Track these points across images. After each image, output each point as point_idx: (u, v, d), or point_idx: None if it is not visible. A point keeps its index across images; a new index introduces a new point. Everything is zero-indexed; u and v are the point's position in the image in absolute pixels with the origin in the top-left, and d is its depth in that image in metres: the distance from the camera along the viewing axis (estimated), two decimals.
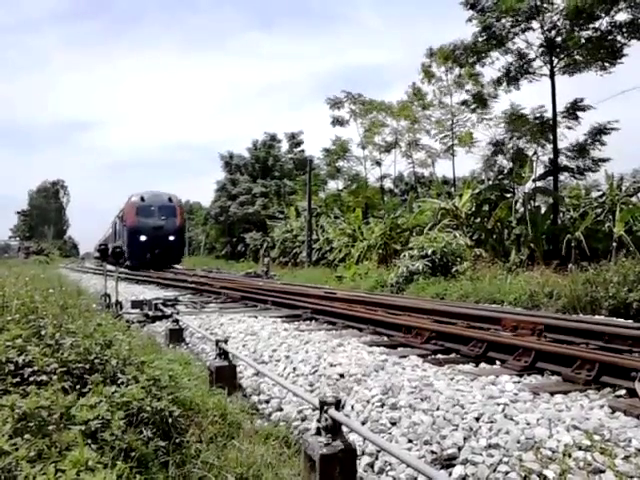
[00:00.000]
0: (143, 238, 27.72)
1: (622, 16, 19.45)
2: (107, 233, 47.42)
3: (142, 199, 28.85)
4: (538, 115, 22.57)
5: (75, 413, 2.80)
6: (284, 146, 50.54)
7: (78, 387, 3.24)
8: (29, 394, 2.86)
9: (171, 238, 28.56)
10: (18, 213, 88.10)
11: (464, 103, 26.80)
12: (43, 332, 3.85)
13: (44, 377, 3.16)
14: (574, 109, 21.88)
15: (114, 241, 36.37)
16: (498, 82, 23.02)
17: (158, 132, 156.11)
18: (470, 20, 21.04)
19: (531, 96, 37.09)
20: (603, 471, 2.56)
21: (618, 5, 19.14)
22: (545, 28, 20.49)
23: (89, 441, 2.65)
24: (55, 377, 3.16)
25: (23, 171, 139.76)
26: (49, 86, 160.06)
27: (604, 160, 22.25)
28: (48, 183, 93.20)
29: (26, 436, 2.55)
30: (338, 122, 34.24)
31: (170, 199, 29.85)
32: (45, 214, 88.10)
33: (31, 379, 3.16)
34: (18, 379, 3.17)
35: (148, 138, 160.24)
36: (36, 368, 3.24)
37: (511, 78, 22.20)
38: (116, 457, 2.63)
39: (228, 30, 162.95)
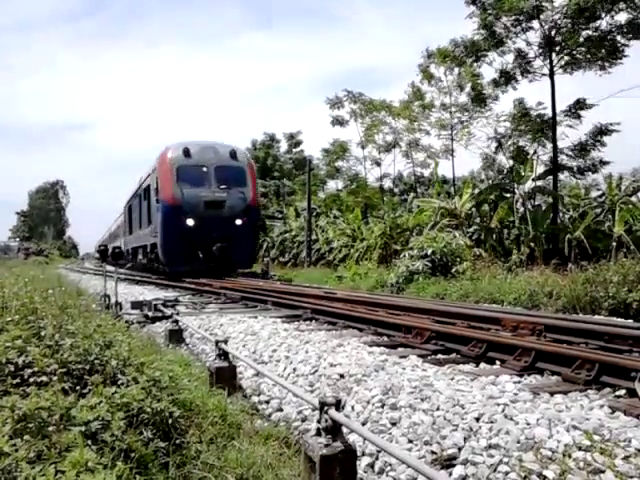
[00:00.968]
0: (190, 222, 16.73)
1: (622, 16, 19.51)
2: (114, 227, 37.78)
3: (186, 153, 17.23)
4: (538, 113, 22.60)
5: (75, 414, 2.80)
6: (283, 146, 50.60)
7: (78, 388, 3.24)
8: (29, 395, 2.86)
9: (238, 222, 17.22)
10: (18, 214, 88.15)
11: (464, 107, 26.82)
12: (43, 333, 3.85)
13: (44, 378, 3.16)
14: (576, 108, 21.88)
15: (129, 233, 25.72)
16: (495, 83, 23.06)
17: (158, 131, 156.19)
18: (470, 17, 21.05)
19: (532, 95, 37.14)
20: (603, 471, 2.56)
21: (618, 5, 19.17)
22: (546, 27, 20.50)
23: (89, 442, 2.65)
24: (55, 378, 3.16)
25: (23, 171, 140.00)
26: (49, 86, 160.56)
27: (605, 163, 22.26)
28: (48, 184, 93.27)
29: (26, 437, 2.54)
30: (338, 122, 34.25)
31: (234, 153, 17.93)
32: (45, 215, 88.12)
33: (31, 380, 3.16)
34: (18, 380, 3.17)
35: (148, 137, 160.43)
36: (36, 369, 3.24)
37: (509, 78, 22.23)
38: (116, 458, 2.63)
39: (228, 30, 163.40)
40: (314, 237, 30.66)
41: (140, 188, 22.03)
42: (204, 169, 17.34)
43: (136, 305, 10.03)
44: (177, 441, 3.23)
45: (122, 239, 29.87)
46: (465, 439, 3.05)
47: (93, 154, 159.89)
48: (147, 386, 3.37)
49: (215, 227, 16.82)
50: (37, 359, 3.30)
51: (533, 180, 22.04)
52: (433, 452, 3.05)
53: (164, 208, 17.00)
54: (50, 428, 2.66)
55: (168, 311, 8.55)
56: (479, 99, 25.44)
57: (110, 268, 12.74)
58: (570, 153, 22.50)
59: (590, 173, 23.32)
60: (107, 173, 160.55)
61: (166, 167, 17.26)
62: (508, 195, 22.57)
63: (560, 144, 22.09)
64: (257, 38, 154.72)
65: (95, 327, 4.31)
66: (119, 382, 3.40)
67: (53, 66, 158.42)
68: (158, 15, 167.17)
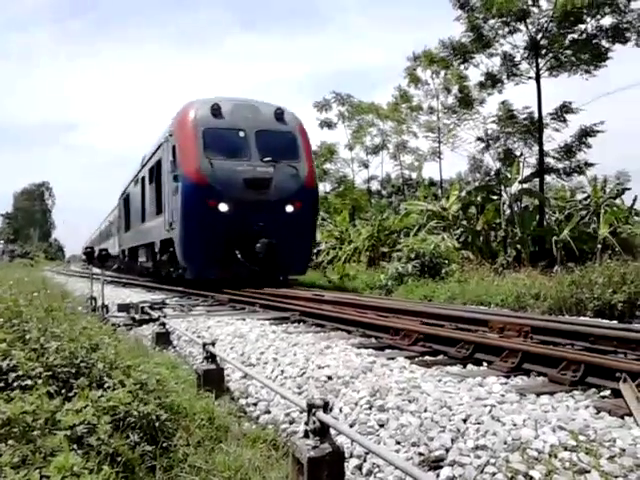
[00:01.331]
0: (224, 208, 12.25)
1: (607, 20, 19.79)
2: (104, 225, 33.65)
3: (216, 112, 12.79)
4: (526, 116, 22.83)
5: (60, 418, 2.78)
6: None
7: (64, 391, 3.22)
8: (13, 399, 2.83)
9: (290, 209, 12.74)
10: (2, 215, 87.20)
11: (451, 109, 26.97)
12: (28, 336, 3.81)
13: (29, 382, 3.13)
14: (562, 111, 22.13)
15: (126, 230, 21.37)
16: (481, 85, 23.27)
17: (146, 132, 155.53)
18: (458, 19, 21.22)
19: (518, 98, 37.45)
20: (588, 471, 2.58)
21: (604, 9, 19.43)
22: (532, 29, 20.72)
23: (74, 446, 2.63)
24: (40, 381, 3.14)
25: (7, 172, 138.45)
26: (32, 86, 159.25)
27: (590, 164, 22.52)
28: (33, 185, 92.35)
29: (10, 442, 2.52)
30: (326, 124, 34.28)
31: (280, 114, 13.48)
32: (30, 216, 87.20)
33: (15, 384, 3.13)
34: (2, 384, 3.14)
35: (136, 138, 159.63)
36: (21, 373, 3.21)
37: (495, 81, 22.44)
38: (102, 462, 2.61)
39: (215, 30, 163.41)
40: None
41: (144, 168, 17.20)
42: (241, 134, 12.82)
43: (123, 308, 9.96)
44: (164, 444, 3.22)
45: (115, 238, 25.80)
46: (452, 440, 3.06)
47: (79, 154, 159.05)
48: (134, 389, 3.35)
49: (258, 215, 12.21)
50: (22, 363, 3.27)
51: (520, 182, 22.22)
52: (421, 453, 3.06)
53: (186, 187, 12.31)
54: (35, 432, 2.64)
55: (155, 314, 8.49)
56: (466, 101, 25.62)
57: (97, 270, 12.65)
58: (556, 155, 22.75)
59: (576, 175, 23.59)
60: (94, 175, 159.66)
61: (188, 130, 12.64)
62: (495, 197, 22.73)
63: (546, 146, 22.34)
64: (242, 39, 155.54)
65: (81, 330, 4.27)
66: (105, 385, 3.38)
67: (37, 66, 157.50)
68: (147, 15, 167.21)
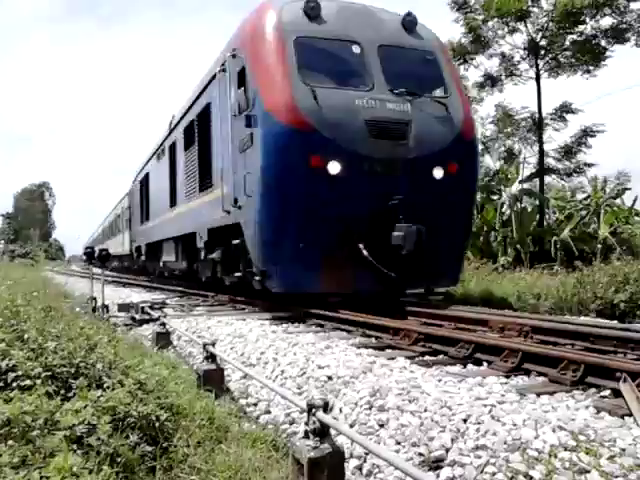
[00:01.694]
0: (335, 170, 7.08)
1: (607, 21, 19.80)
2: (108, 220, 29.66)
3: (313, 12, 7.62)
4: (525, 115, 22.82)
5: (60, 418, 2.78)
6: None
7: (63, 392, 3.22)
8: (12, 399, 2.83)
9: (438, 175, 7.59)
10: (2, 216, 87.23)
11: None
12: (26, 336, 3.81)
13: (28, 382, 3.13)
14: (562, 111, 22.13)
15: (143, 221, 17.25)
16: (480, 86, 23.26)
17: (144, 132, 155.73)
18: (457, 21, 21.23)
19: (518, 98, 37.48)
20: (588, 471, 2.58)
21: (603, 10, 19.44)
22: (532, 30, 20.73)
23: (74, 446, 2.62)
24: (39, 382, 3.13)
25: (7, 173, 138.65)
26: (32, 85, 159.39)
27: (590, 165, 22.52)
28: (33, 185, 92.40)
29: (9, 442, 2.52)
30: None
31: (412, 23, 8.38)
32: (30, 216, 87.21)
33: (14, 384, 3.13)
34: (1, 384, 3.14)
35: (135, 139, 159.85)
36: (20, 373, 3.21)
37: (494, 81, 22.44)
38: (102, 462, 2.61)
39: (210, 28, 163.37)
40: None
41: (175, 131, 12.55)
42: (355, 49, 7.97)
43: (123, 307, 9.96)
44: (164, 445, 3.21)
45: (125, 234, 21.44)
46: (452, 440, 3.05)
47: (79, 155, 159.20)
48: (133, 389, 3.35)
49: (392, 184, 7.49)
50: (21, 362, 3.27)
51: (520, 182, 22.21)
52: (421, 454, 3.05)
53: (272, 134, 7.33)
54: (34, 432, 2.64)
55: (155, 313, 8.48)
56: None
57: (96, 270, 12.64)
58: (557, 155, 22.72)
59: (576, 175, 23.57)
60: (96, 175, 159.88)
61: (271, 39, 7.67)
62: (495, 197, 22.72)
63: (546, 147, 22.32)
64: None
65: (79, 330, 4.27)
66: (105, 385, 3.38)
67: (37, 64, 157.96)
68: (141, 15, 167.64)
